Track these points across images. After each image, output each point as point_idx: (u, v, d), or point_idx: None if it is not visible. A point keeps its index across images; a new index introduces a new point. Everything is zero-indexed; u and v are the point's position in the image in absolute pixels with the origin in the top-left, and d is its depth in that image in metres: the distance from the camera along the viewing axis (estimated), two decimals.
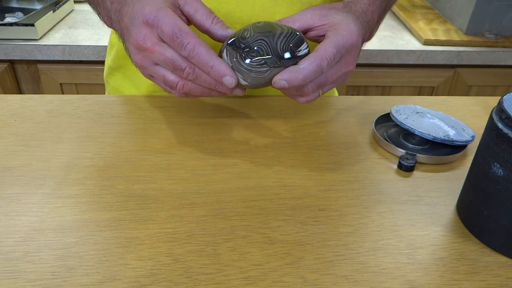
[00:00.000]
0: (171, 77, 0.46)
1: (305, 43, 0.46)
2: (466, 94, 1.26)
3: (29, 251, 0.38)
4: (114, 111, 0.58)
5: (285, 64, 0.44)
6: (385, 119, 0.58)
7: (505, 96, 0.39)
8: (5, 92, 1.14)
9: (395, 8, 1.37)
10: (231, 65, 0.44)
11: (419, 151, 0.53)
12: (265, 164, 0.50)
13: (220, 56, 0.45)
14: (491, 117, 0.39)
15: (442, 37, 1.18)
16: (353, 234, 0.42)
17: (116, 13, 0.48)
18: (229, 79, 0.44)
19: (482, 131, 0.58)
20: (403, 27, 1.28)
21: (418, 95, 1.25)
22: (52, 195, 0.44)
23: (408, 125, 0.53)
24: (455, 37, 1.19)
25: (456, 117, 0.61)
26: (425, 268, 0.39)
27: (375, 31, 0.57)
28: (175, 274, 0.37)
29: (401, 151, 0.52)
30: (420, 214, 0.44)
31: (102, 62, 1.08)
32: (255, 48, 0.44)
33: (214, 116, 0.58)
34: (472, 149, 0.55)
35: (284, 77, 0.44)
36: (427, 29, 1.21)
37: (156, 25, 0.43)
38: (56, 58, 1.09)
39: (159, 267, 0.38)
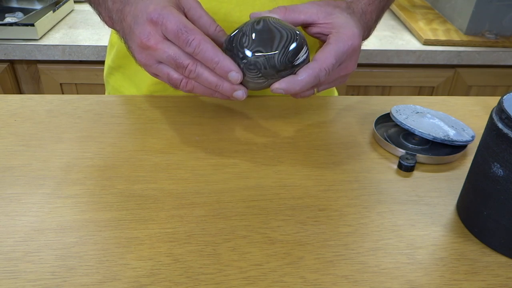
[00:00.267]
0: (175, 75, 0.46)
1: (304, 47, 0.46)
2: (466, 94, 1.26)
3: (29, 251, 0.38)
4: (114, 111, 0.58)
5: (283, 75, 0.46)
6: (385, 119, 0.58)
7: (505, 96, 0.39)
8: (5, 92, 1.14)
9: (395, 8, 1.37)
10: None
11: (419, 151, 0.53)
12: (265, 164, 0.50)
13: None
14: (491, 117, 0.39)
15: (442, 37, 1.18)
16: (353, 234, 0.42)
17: (118, 13, 0.48)
18: (235, 75, 0.44)
19: (482, 131, 0.58)
20: (403, 27, 1.28)
21: (418, 95, 1.24)
22: (52, 195, 0.44)
23: (408, 125, 0.53)
24: (455, 37, 1.18)
25: (456, 117, 0.61)
26: (425, 268, 0.39)
27: (372, 31, 0.57)
28: (175, 274, 0.37)
29: (401, 151, 0.52)
30: (420, 214, 0.44)
31: (102, 62, 1.08)
32: (253, 62, 0.45)
33: (214, 116, 0.58)
34: (472, 149, 0.55)
35: (282, 86, 0.46)
36: (427, 29, 1.21)
37: (161, 22, 0.43)
38: (56, 58, 1.09)
39: (159, 267, 0.38)
